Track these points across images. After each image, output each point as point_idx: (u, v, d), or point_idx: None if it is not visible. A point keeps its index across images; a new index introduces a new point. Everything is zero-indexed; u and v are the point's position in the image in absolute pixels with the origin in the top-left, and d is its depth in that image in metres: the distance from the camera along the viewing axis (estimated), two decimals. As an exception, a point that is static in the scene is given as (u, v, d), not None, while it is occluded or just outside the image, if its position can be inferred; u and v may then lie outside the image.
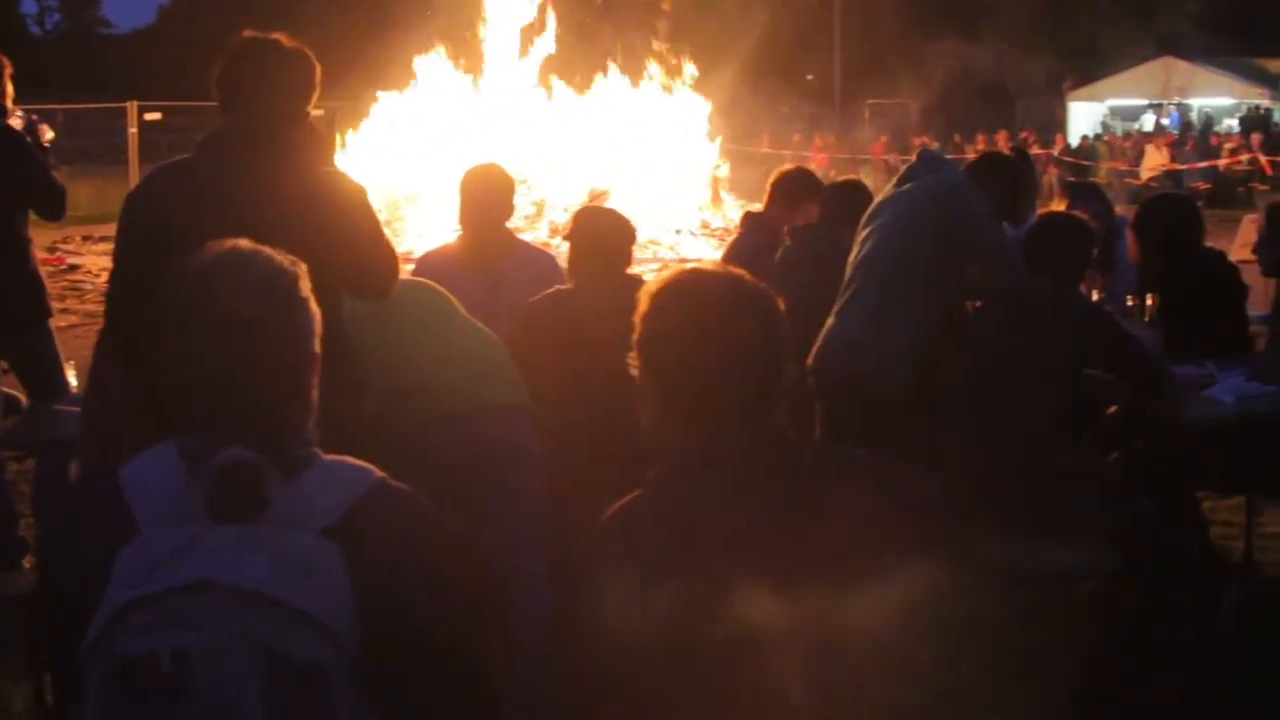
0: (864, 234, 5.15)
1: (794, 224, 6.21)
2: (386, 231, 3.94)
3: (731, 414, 2.23)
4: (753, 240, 6.51)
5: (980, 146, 30.40)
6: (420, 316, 4.28)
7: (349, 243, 3.57)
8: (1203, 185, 26.90)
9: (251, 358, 2.05)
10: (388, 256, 3.80)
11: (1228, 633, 5.13)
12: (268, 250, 2.13)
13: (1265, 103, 39.66)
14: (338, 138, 18.20)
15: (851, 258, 5.13)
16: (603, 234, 5.19)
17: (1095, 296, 5.63)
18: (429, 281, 4.60)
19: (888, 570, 2.20)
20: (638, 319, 2.25)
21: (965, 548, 4.21)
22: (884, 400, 4.82)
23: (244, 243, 2.13)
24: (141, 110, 26.53)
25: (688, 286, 2.24)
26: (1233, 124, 37.30)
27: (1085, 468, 4.90)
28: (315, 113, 3.89)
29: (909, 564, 2.24)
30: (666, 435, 2.25)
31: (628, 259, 5.29)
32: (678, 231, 16.66)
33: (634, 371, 2.27)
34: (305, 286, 2.13)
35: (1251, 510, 5.76)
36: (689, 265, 2.30)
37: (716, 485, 2.20)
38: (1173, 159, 29.17)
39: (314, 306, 2.15)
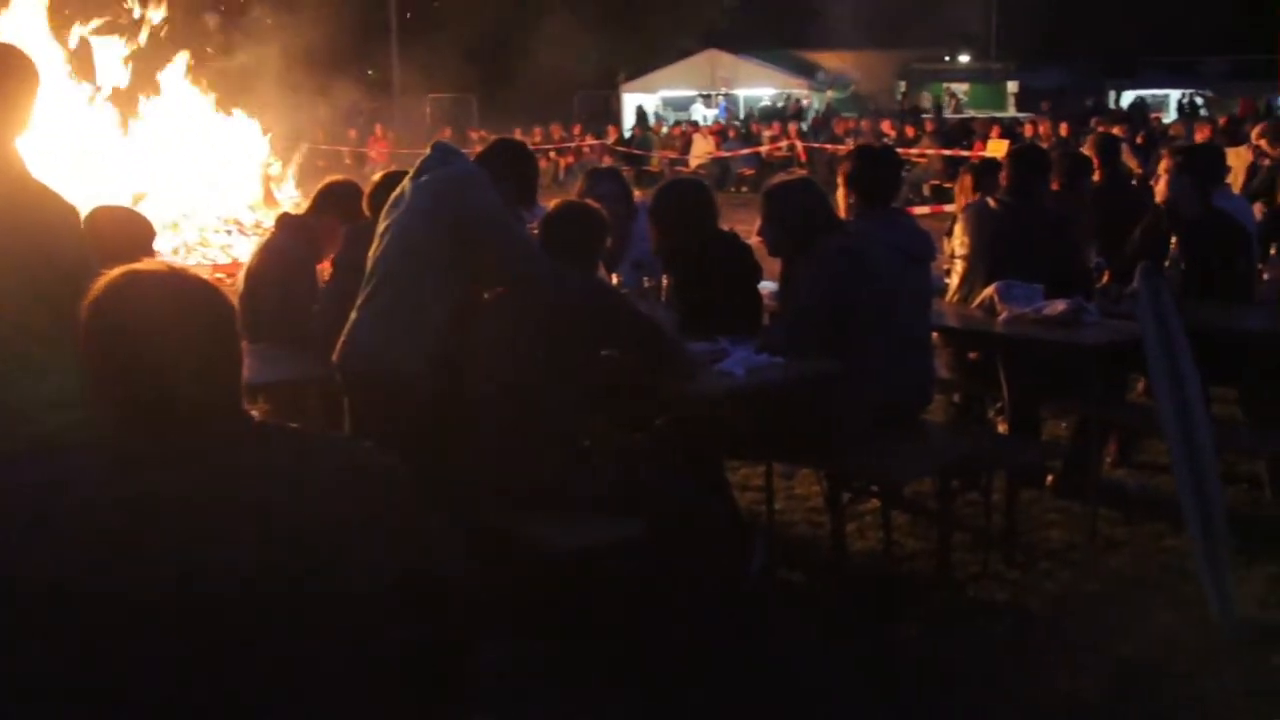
0: (382, 227, 5.16)
1: (337, 229, 6.24)
2: None
3: (195, 410, 2.20)
4: (286, 242, 6.45)
5: (536, 138, 31.01)
6: None
7: None
8: (747, 171, 28.25)
9: None
10: None
11: (754, 592, 5.43)
12: None
13: (803, 93, 42.08)
14: None
15: (371, 251, 5.13)
16: (105, 234, 5.08)
17: (615, 280, 5.82)
18: None
19: (362, 549, 2.24)
20: (83, 327, 2.18)
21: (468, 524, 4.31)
22: (405, 390, 4.85)
23: None
24: None
25: (131, 289, 2.19)
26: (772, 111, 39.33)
27: (610, 444, 5.07)
28: None
29: (387, 543, 2.29)
30: (123, 435, 2.19)
31: (144, 257, 5.17)
32: (229, 232, 16.25)
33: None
34: None
35: (770, 474, 6.11)
36: (129, 269, 2.24)
37: (184, 482, 2.16)
38: (719, 147, 30.50)
39: None
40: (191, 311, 2.20)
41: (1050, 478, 6.66)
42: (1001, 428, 6.86)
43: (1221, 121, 24.21)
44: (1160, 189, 7.08)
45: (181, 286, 2.22)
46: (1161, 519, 6.15)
